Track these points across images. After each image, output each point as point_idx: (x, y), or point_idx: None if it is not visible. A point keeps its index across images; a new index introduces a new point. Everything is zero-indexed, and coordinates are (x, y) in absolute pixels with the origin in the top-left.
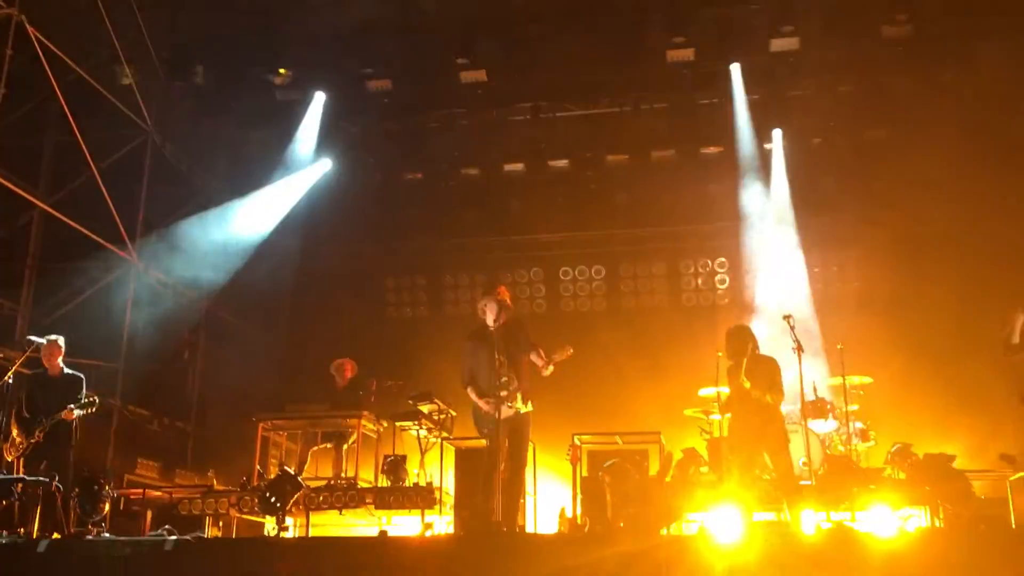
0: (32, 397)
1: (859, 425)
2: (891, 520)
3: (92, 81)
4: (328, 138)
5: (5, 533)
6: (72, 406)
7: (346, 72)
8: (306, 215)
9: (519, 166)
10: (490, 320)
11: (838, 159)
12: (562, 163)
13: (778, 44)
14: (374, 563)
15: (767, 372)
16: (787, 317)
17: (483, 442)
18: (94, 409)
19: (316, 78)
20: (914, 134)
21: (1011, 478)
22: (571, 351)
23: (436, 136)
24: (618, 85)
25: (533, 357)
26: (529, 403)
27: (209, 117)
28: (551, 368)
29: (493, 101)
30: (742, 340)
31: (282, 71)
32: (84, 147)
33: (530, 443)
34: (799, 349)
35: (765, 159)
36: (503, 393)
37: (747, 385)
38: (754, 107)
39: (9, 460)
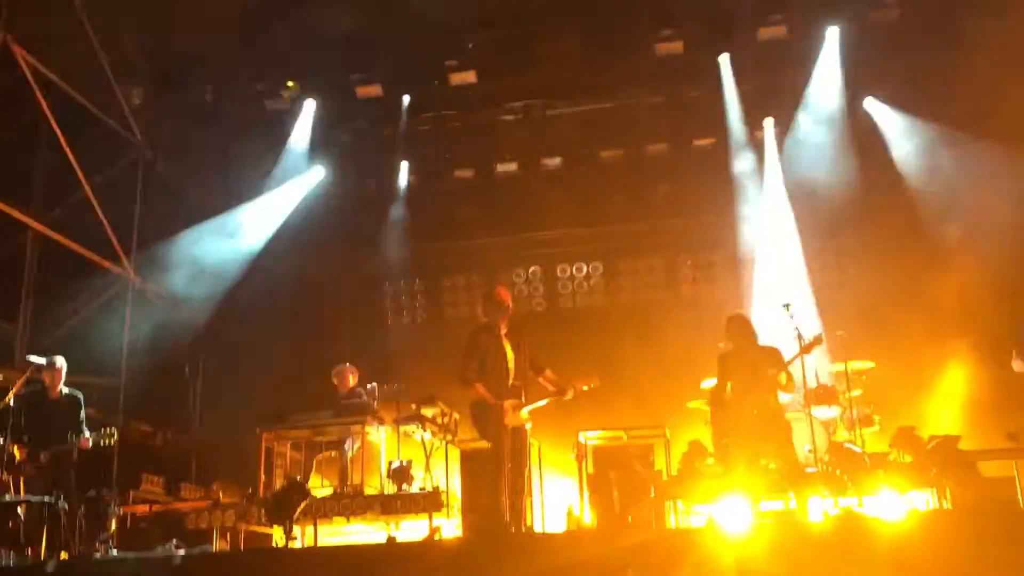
0: (31, 417)
1: (863, 410)
2: (898, 504)
3: (81, 99)
4: (320, 146)
5: (12, 555)
6: (89, 436)
7: (336, 78)
8: (301, 224)
9: (512, 166)
10: (493, 321)
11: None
12: (555, 161)
13: (766, 33)
14: (383, 569)
15: (774, 360)
16: (786, 306)
17: (487, 443)
18: (112, 441)
19: (306, 86)
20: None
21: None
22: (598, 381)
23: (428, 139)
24: (608, 81)
25: (542, 380)
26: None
27: (200, 130)
28: (571, 394)
29: (484, 102)
30: (742, 326)
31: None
32: (76, 165)
33: (534, 442)
34: (799, 337)
35: (758, 149)
36: (515, 401)
37: (783, 380)
38: (745, 97)
39: (4, 480)
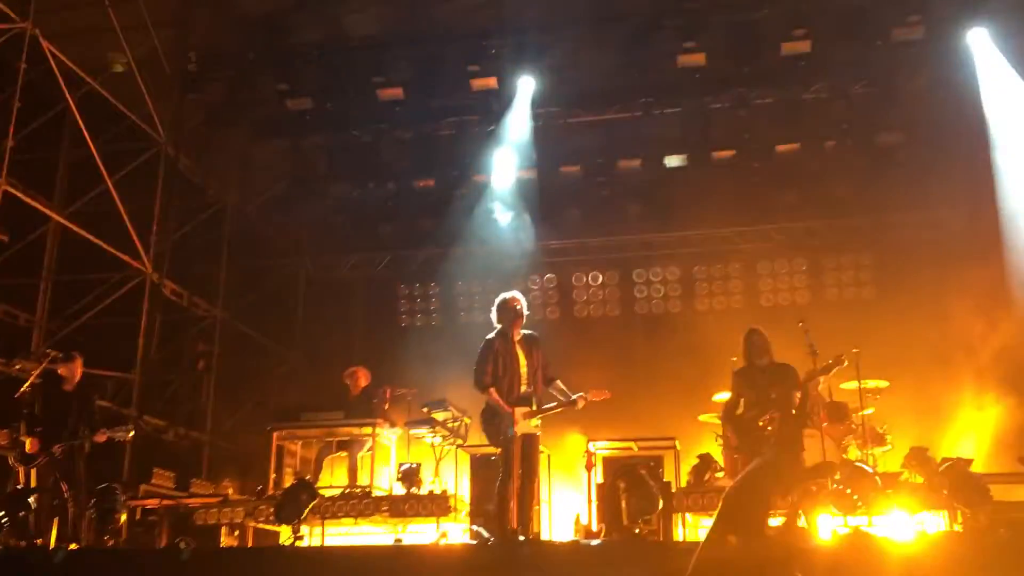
0: (46, 409)
1: (875, 429)
2: (909, 525)
3: (106, 94)
4: (340, 146)
5: (22, 544)
6: (107, 431)
7: (357, 81)
8: (320, 224)
9: (532, 174)
10: (507, 327)
11: (852, 162)
12: (574, 169)
13: (789, 48)
14: (389, 572)
15: (788, 378)
16: (801, 323)
17: (497, 449)
18: (127, 438)
19: (328, 87)
20: (927, 136)
21: None
22: (608, 395)
23: (448, 144)
24: (629, 91)
25: (552, 389)
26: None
27: (221, 128)
28: (582, 404)
29: (505, 108)
30: (759, 342)
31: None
32: (98, 159)
33: (544, 450)
34: (814, 354)
35: (777, 163)
36: (526, 408)
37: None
38: (765, 111)
39: (16, 470)
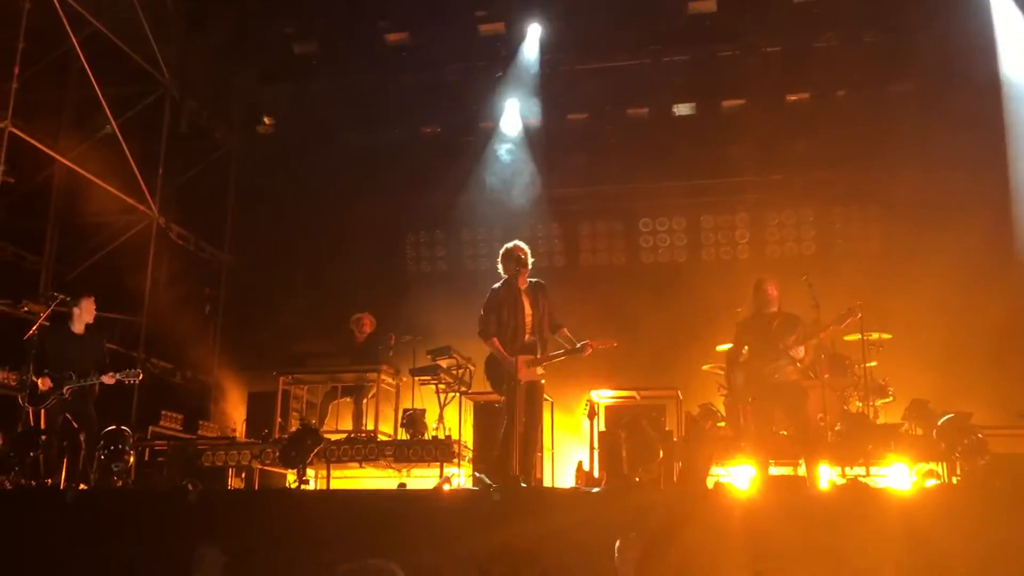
0: (56, 351)
1: (877, 381)
2: (907, 476)
3: (110, 35)
4: (347, 91)
5: (33, 484)
6: (116, 373)
7: (363, 24)
8: (326, 170)
9: (538, 120)
10: (512, 276)
11: (862, 112)
12: (581, 116)
13: None
14: (393, 516)
15: (793, 328)
16: (805, 278)
17: (501, 397)
18: (136, 381)
19: (334, 30)
20: (940, 86)
21: None
22: (615, 344)
23: (454, 89)
24: (638, 38)
25: (558, 338)
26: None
27: (227, 71)
28: (588, 352)
29: (511, 54)
30: (768, 291)
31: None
32: (103, 101)
33: (547, 398)
34: (817, 307)
35: (787, 112)
36: (530, 356)
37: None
38: (776, 59)
39: (26, 410)
